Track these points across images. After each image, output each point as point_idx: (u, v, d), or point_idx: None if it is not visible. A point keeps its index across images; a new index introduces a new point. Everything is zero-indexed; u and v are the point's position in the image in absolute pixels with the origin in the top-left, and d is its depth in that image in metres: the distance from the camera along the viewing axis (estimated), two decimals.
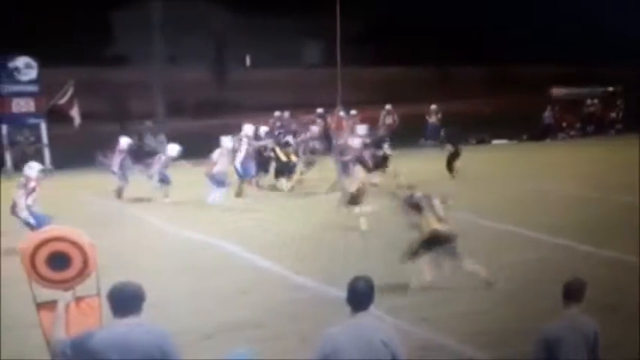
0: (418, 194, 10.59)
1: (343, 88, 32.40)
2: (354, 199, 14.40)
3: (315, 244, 13.22)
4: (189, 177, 17.98)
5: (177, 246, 13.53)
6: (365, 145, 18.97)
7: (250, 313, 9.53)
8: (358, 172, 16.69)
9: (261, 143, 19.48)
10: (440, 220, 10.32)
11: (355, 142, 18.62)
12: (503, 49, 45.02)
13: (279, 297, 10.21)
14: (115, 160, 18.31)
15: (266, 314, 9.49)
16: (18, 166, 24.16)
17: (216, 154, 17.56)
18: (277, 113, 28.14)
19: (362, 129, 20.86)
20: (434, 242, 10.22)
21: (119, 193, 18.21)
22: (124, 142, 18.72)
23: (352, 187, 14.79)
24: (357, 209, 14.36)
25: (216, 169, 17.31)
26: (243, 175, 18.29)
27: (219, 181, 17.31)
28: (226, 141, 17.95)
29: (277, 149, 19.58)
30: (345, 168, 17.52)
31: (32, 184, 13.41)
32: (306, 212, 16.39)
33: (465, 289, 10.24)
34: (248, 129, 18.92)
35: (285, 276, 11.21)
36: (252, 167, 18.76)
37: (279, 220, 15.62)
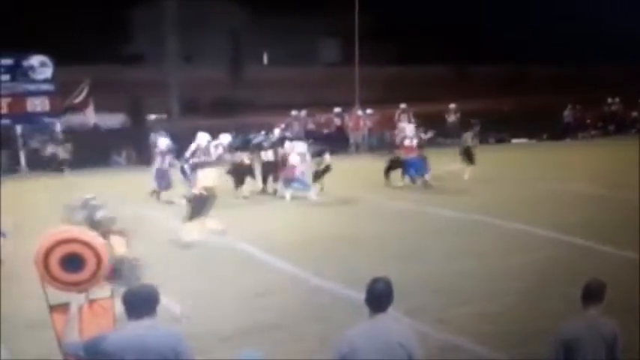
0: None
1: (360, 87, 32.41)
2: None
3: (334, 246, 13.14)
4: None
5: (194, 247, 13.36)
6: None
7: (269, 315, 9.50)
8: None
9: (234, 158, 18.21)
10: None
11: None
12: (523, 47, 44.87)
13: (299, 299, 10.20)
14: (158, 162, 17.99)
15: (285, 316, 9.46)
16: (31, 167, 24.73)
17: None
18: (294, 112, 28.29)
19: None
20: None
21: (157, 195, 17.78)
22: (163, 143, 18.22)
23: None
24: None
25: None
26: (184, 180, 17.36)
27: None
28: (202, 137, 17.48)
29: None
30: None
31: None
32: (325, 214, 16.40)
33: (481, 290, 10.22)
34: (224, 138, 18.13)
35: (305, 278, 11.18)
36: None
37: (299, 221, 15.59)
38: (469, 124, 21.78)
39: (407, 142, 19.30)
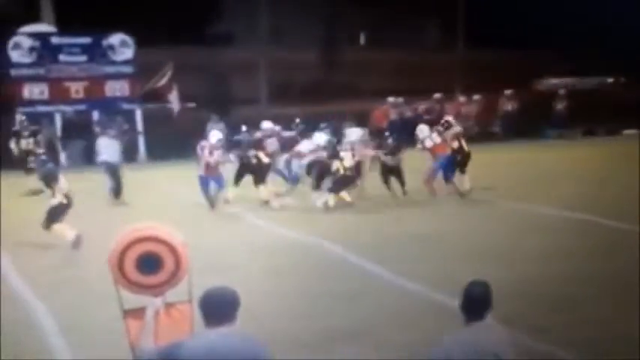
0: None
1: (464, 72, 32.21)
2: None
3: (426, 246, 13.31)
4: None
5: (274, 246, 13.81)
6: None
7: (353, 320, 9.62)
8: None
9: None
10: None
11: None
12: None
13: (386, 303, 10.29)
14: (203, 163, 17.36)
15: (371, 322, 9.56)
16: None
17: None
18: (391, 99, 28.36)
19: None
20: None
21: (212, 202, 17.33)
22: (215, 136, 17.69)
23: None
24: None
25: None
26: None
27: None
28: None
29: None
30: None
31: None
32: (414, 212, 16.55)
33: (584, 294, 10.19)
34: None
35: (393, 280, 11.32)
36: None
37: (387, 220, 15.79)
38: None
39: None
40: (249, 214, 16.74)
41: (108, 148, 18.80)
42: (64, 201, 13.74)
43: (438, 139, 18.05)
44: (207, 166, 16.92)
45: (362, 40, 45.35)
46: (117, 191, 18.33)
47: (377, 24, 41.33)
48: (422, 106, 29.35)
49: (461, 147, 18.04)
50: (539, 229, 14.34)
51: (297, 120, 22.11)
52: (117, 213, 16.22)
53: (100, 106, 26.10)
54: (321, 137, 18.57)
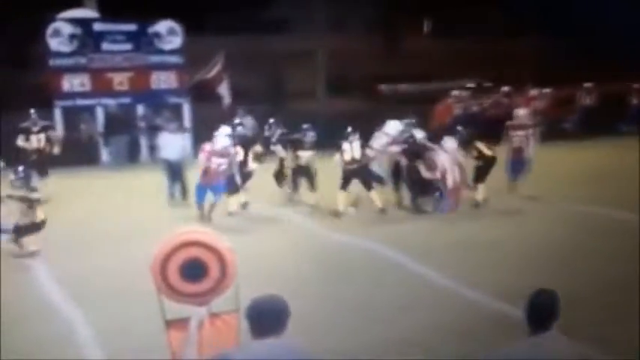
0: None
1: (539, 62, 31.86)
2: None
3: (489, 253, 13.37)
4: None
5: (327, 252, 14.01)
6: None
7: (409, 329, 9.72)
8: None
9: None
10: None
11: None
12: None
13: (447, 313, 10.37)
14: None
15: (428, 332, 9.65)
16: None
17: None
18: (455, 92, 28.23)
19: None
20: None
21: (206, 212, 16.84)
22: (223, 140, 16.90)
23: None
24: None
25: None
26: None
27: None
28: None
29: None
30: None
31: None
32: (471, 217, 16.56)
33: None
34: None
35: (454, 289, 11.43)
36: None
37: (443, 225, 15.87)
38: None
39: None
40: (300, 217, 16.92)
41: (169, 144, 18.64)
42: (37, 221, 13.78)
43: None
44: (206, 172, 16.46)
45: (426, 27, 45.21)
46: (183, 191, 18.31)
47: (441, 10, 41.17)
48: (489, 100, 29.18)
49: (481, 153, 17.75)
50: (605, 233, 14.39)
51: (272, 120, 20.98)
52: (178, 215, 16.49)
53: (145, 99, 26.16)
54: (395, 126, 18.08)
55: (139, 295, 9.76)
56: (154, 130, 23.45)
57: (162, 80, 26.27)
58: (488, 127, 25.11)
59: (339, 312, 10.51)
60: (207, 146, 16.63)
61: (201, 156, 16.61)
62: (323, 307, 10.59)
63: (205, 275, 6.41)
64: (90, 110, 26.02)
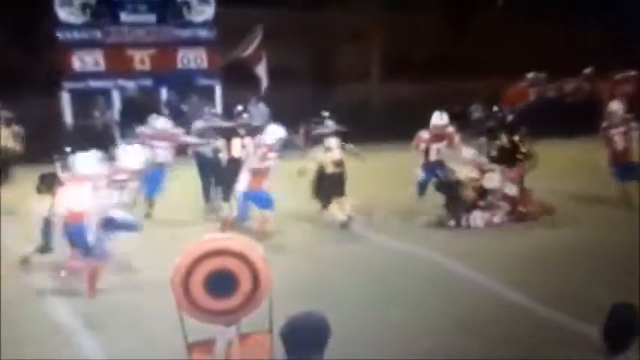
0: None
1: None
2: None
3: (562, 267, 13.33)
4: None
5: (381, 264, 13.94)
6: None
7: (481, 354, 9.80)
8: None
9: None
10: None
11: None
12: None
13: (520, 334, 10.42)
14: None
15: (503, 357, 9.73)
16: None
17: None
18: (531, 75, 27.99)
19: None
20: None
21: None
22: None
23: None
24: None
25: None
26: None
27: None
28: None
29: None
30: None
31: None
32: (542, 225, 16.45)
33: None
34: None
35: (528, 307, 11.50)
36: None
37: (515, 236, 15.90)
38: None
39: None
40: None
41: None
42: None
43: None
44: (255, 174, 15.68)
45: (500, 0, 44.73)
46: (224, 194, 17.13)
47: None
48: (568, 85, 28.91)
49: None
50: None
51: (240, 107, 19.50)
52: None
53: (170, 80, 26.18)
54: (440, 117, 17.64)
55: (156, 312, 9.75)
56: (180, 117, 22.94)
57: (191, 59, 26.32)
58: (567, 115, 25.21)
59: (394, 333, 10.49)
60: (257, 139, 16.20)
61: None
62: (371, 327, 10.54)
63: (235, 289, 6.41)
64: (105, 94, 25.70)
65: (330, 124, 17.94)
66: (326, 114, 18.12)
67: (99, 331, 10.95)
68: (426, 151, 17.37)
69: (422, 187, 17.11)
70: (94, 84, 25.66)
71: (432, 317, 11.15)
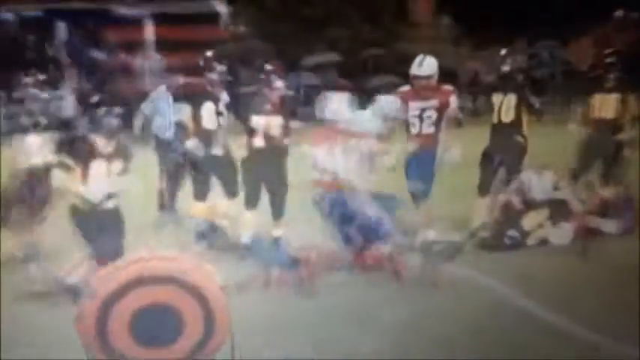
0: None
1: None
2: None
3: (617, 295, 12.24)
4: None
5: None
6: None
7: None
8: None
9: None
10: None
11: None
12: None
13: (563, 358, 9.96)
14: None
15: None
16: None
17: None
18: (619, 13, 30.23)
19: None
20: None
21: None
22: None
23: None
24: None
25: None
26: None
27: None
28: None
29: None
30: None
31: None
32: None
33: None
34: None
35: (573, 331, 10.82)
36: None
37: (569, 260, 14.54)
38: None
39: None
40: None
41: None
42: None
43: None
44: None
45: None
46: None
47: None
48: None
49: None
50: None
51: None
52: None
53: None
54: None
55: None
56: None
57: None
58: None
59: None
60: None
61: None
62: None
63: (178, 334, 4.94)
64: None
65: None
66: None
67: None
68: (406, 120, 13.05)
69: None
70: None
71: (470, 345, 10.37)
